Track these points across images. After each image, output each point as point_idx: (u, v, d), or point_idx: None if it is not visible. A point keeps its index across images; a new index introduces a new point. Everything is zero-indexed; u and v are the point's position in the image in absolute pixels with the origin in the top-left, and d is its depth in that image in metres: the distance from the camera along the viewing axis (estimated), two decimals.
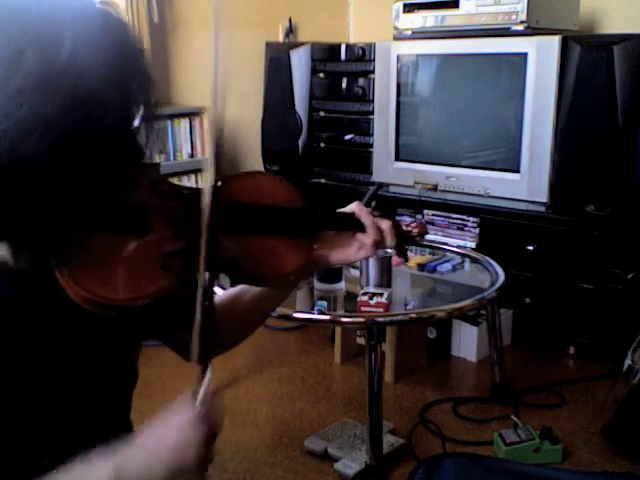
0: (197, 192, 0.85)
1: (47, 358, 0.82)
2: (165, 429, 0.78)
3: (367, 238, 0.99)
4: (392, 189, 3.13)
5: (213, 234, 0.80)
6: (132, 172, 0.77)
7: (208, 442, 0.77)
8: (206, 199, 0.80)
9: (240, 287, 1.05)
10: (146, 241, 0.81)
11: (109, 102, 0.71)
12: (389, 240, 1.00)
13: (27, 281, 0.79)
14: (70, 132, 0.69)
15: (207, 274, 0.80)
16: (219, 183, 0.81)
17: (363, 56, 3.14)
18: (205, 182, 0.81)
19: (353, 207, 1.01)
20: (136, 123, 0.76)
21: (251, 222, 0.90)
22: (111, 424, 0.92)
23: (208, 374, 0.80)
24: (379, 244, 1.00)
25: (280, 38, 3.65)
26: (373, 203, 2.83)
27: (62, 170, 0.70)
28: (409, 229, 1.09)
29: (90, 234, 0.76)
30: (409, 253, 2.57)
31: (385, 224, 1.00)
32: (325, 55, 3.32)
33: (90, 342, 0.87)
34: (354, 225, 1.00)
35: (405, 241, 1.08)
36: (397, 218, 3.02)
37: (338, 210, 1.02)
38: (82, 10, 0.73)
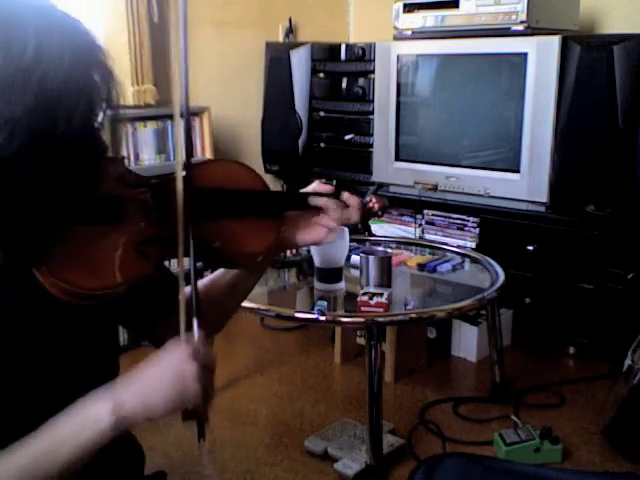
0: (165, 181, 0.88)
1: (31, 352, 0.84)
2: (161, 365, 0.80)
3: (329, 218, 1.02)
4: (392, 189, 3.12)
5: (186, 220, 0.83)
6: (98, 165, 0.79)
7: (205, 376, 0.79)
8: (176, 187, 0.83)
9: (213, 275, 1.08)
10: (119, 230, 0.83)
11: (74, 98, 0.73)
12: (354, 217, 1.05)
13: (9, 277, 0.80)
14: (39, 129, 0.71)
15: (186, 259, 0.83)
16: (184, 173, 0.84)
17: (363, 56, 3.14)
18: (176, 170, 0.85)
19: (315, 187, 1.04)
20: (100, 118, 0.78)
21: (220, 206, 0.93)
22: None
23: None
24: (343, 221, 1.04)
25: (280, 38, 3.65)
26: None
27: (33, 166, 0.71)
28: (370, 205, 1.14)
29: (63, 227, 0.78)
30: (409, 253, 2.59)
31: (353, 200, 1.04)
32: (325, 55, 3.32)
33: (70, 334, 0.88)
34: (316, 206, 1.03)
35: (368, 216, 1.13)
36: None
37: (301, 190, 1.05)
38: (42, 10, 0.75)
